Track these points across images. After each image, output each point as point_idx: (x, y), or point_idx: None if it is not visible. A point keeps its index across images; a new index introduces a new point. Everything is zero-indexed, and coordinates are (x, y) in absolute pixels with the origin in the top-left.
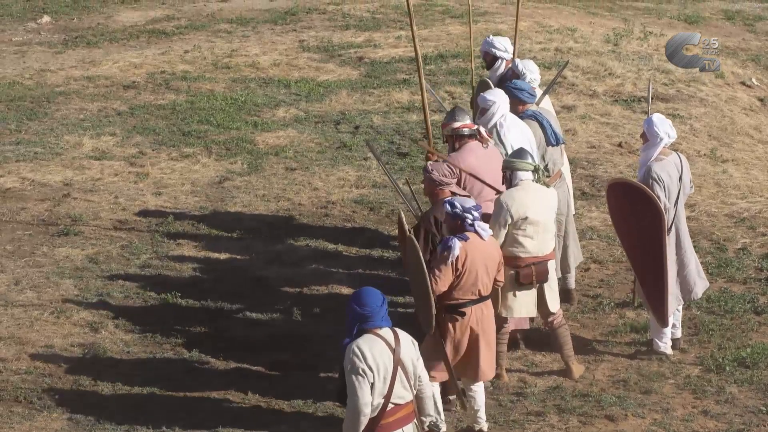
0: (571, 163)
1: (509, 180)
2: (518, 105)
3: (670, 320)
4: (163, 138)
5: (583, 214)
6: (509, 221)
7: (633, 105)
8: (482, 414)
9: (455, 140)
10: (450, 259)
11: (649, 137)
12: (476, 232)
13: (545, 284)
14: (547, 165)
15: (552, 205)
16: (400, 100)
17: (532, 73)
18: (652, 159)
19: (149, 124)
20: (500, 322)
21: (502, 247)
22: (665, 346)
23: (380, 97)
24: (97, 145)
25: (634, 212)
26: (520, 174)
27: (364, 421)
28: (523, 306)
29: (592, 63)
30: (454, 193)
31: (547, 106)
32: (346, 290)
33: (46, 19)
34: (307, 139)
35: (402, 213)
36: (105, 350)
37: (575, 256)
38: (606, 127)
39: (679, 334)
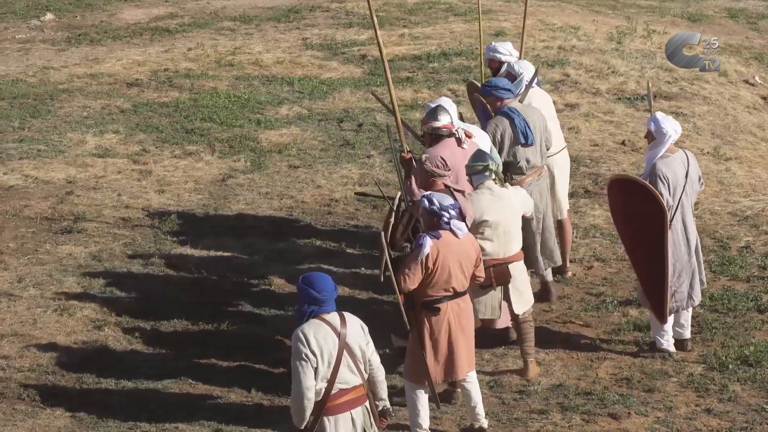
0: (574, 161)
1: (473, 184)
2: (496, 101)
3: (670, 319)
4: (166, 136)
5: (586, 212)
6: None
7: (636, 103)
8: (480, 410)
9: (433, 138)
10: (420, 258)
11: (656, 135)
12: (451, 230)
13: (510, 286)
14: (519, 163)
15: (514, 206)
16: (403, 98)
17: (528, 72)
18: (658, 157)
19: (152, 122)
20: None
21: None
22: (667, 343)
23: (383, 95)
24: (101, 142)
25: (635, 209)
26: (477, 177)
27: (309, 406)
28: (487, 308)
29: (595, 61)
30: (447, 186)
31: (540, 104)
32: (348, 289)
33: (49, 16)
34: (311, 136)
35: (398, 198)
36: (108, 348)
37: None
38: (609, 125)
39: (687, 334)
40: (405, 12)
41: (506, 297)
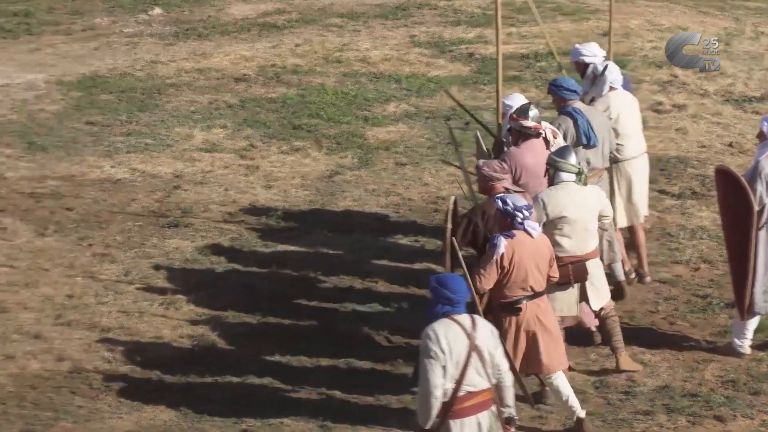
0: (681, 162)
1: (551, 178)
2: (560, 102)
3: (753, 323)
4: (273, 131)
5: (693, 214)
6: (545, 219)
7: (744, 105)
8: (573, 402)
9: (519, 136)
10: (495, 257)
11: (767, 136)
12: (525, 230)
13: (587, 282)
14: (579, 163)
15: (591, 204)
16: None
17: (612, 74)
18: (765, 156)
19: (260, 117)
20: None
21: None
22: (742, 347)
23: (491, 94)
24: (208, 137)
25: (731, 201)
26: (563, 175)
27: (436, 404)
28: (564, 305)
29: None
30: (507, 189)
31: (621, 106)
32: None
33: (157, 11)
34: (418, 134)
35: (456, 199)
36: (213, 342)
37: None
38: (717, 126)
39: None
40: (513, 11)
41: (583, 295)
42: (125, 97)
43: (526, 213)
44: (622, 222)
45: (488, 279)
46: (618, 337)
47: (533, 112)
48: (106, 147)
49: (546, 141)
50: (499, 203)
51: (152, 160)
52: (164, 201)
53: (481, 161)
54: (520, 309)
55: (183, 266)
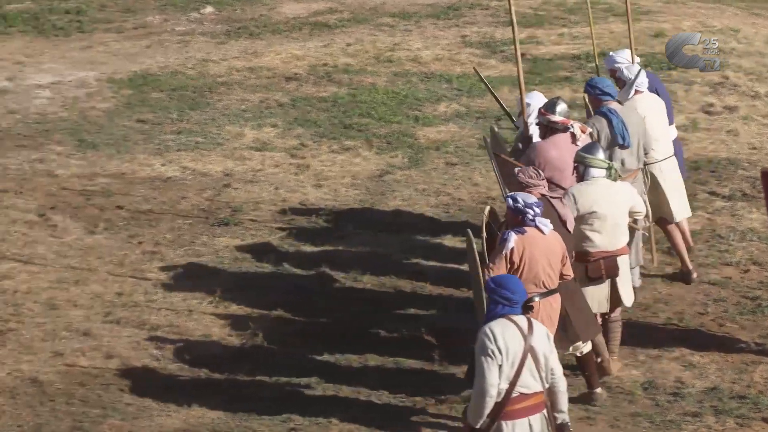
0: (731, 164)
1: (581, 175)
2: (595, 102)
3: None
4: (324, 130)
5: (743, 216)
6: (575, 214)
7: None
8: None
9: (546, 130)
10: (504, 251)
11: None
12: (537, 227)
13: (617, 279)
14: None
15: (622, 200)
16: (562, 97)
17: (639, 77)
18: None
19: (310, 116)
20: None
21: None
22: None
23: (542, 94)
24: (258, 136)
25: None
26: (593, 171)
27: (490, 403)
28: (594, 301)
29: (754, 64)
30: (543, 195)
31: (647, 108)
32: None
33: (209, 9)
34: (468, 134)
35: (492, 209)
36: (262, 341)
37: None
38: None
39: None
40: (564, 11)
41: (614, 291)
42: (176, 96)
43: (537, 210)
44: (679, 215)
45: (497, 273)
46: (616, 343)
47: (560, 106)
48: (157, 145)
49: (573, 135)
50: (510, 201)
51: (203, 158)
52: (214, 199)
53: (517, 168)
54: (532, 307)
55: (232, 265)
